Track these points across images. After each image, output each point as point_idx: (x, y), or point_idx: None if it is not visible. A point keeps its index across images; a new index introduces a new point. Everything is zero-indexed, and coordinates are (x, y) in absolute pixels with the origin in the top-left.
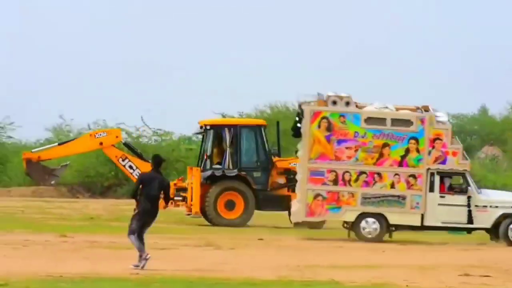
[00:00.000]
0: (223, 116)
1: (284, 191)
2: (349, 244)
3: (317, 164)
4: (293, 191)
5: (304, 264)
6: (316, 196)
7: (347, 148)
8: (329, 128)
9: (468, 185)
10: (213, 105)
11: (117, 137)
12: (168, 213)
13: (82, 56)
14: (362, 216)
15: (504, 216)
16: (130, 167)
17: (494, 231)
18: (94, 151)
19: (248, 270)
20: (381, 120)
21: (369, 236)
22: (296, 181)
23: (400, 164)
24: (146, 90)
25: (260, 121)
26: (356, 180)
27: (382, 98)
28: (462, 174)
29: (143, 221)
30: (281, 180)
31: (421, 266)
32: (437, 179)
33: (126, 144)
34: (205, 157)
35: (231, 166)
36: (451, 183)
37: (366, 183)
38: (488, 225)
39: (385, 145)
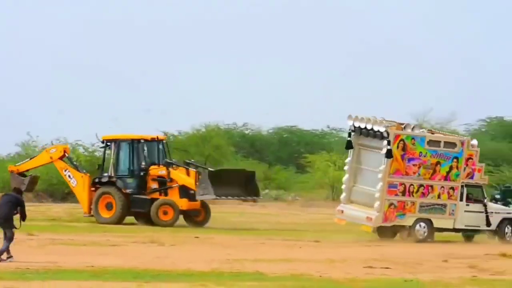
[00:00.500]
0: (165, 134)
1: (157, 195)
2: (270, 241)
3: (393, 178)
4: (165, 194)
5: (233, 258)
6: (390, 205)
7: (413, 165)
8: (404, 148)
9: (484, 195)
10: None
11: (61, 152)
12: None
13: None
14: (417, 221)
15: (503, 220)
16: (69, 176)
17: (495, 232)
18: (49, 163)
19: (186, 263)
20: (437, 143)
21: (421, 237)
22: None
23: (445, 178)
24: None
25: (136, 136)
26: (417, 191)
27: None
28: (481, 187)
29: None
30: (155, 185)
31: (332, 260)
32: (464, 190)
33: (68, 158)
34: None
35: (112, 174)
36: (467, 193)
37: (423, 194)
38: (494, 227)
39: (437, 163)
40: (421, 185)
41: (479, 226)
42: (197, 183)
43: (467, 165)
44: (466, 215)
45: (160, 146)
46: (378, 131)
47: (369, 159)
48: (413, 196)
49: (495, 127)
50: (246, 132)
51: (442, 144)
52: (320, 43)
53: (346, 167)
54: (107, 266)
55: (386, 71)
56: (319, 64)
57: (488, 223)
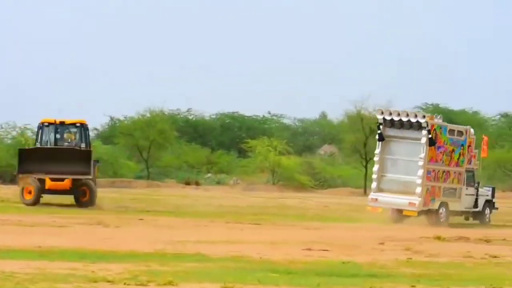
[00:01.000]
0: (111, 119)
1: None
2: (213, 223)
3: (429, 166)
4: None
5: (176, 239)
6: (427, 190)
7: (440, 152)
8: (435, 137)
9: (475, 180)
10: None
11: None
12: None
13: None
14: (441, 204)
15: (485, 202)
16: None
17: (479, 212)
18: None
19: (130, 244)
20: (453, 131)
21: (442, 220)
22: None
23: (457, 164)
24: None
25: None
26: (441, 177)
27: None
28: (473, 172)
29: None
30: None
31: (272, 242)
32: (464, 175)
33: None
34: None
35: None
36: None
37: (445, 180)
38: (480, 208)
39: (452, 150)
40: (443, 171)
41: (471, 208)
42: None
43: (467, 152)
44: (466, 198)
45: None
46: (417, 121)
47: (401, 149)
48: (439, 181)
49: (431, 113)
50: (190, 117)
51: (456, 132)
52: (261, 31)
53: (375, 158)
54: (54, 247)
55: (322, 56)
56: (260, 51)
57: (476, 205)
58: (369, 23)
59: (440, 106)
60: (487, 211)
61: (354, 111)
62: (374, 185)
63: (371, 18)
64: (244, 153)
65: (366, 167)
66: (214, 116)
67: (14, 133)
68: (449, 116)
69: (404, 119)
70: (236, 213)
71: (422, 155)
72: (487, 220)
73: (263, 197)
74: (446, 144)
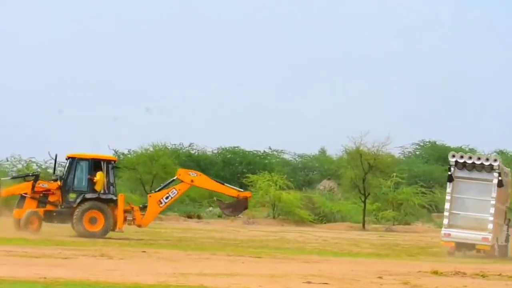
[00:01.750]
0: (115, 152)
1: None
2: (214, 256)
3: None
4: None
5: (179, 272)
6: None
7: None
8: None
9: (507, 216)
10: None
11: None
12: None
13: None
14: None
15: (507, 235)
16: None
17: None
18: None
19: (134, 276)
20: (506, 173)
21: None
22: None
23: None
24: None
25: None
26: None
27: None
28: (507, 209)
29: None
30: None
31: (272, 275)
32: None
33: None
34: None
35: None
36: None
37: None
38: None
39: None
40: (499, 209)
41: (503, 242)
42: None
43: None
44: (503, 233)
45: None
46: (490, 164)
47: (471, 189)
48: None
49: (428, 151)
50: (192, 152)
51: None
52: (262, 67)
53: (447, 197)
54: (58, 278)
55: (321, 93)
56: (261, 88)
57: (507, 240)
58: (367, 61)
59: (437, 143)
60: (509, 244)
61: (353, 147)
62: (446, 221)
63: (369, 55)
64: (245, 188)
65: (364, 202)
66: (215, 151)
67: (19, 166)
68: (446, 152)
69: (477, 162)
70: (237, 246)
71: (494, 195)
72: (509, 253)
73: (264, 230)
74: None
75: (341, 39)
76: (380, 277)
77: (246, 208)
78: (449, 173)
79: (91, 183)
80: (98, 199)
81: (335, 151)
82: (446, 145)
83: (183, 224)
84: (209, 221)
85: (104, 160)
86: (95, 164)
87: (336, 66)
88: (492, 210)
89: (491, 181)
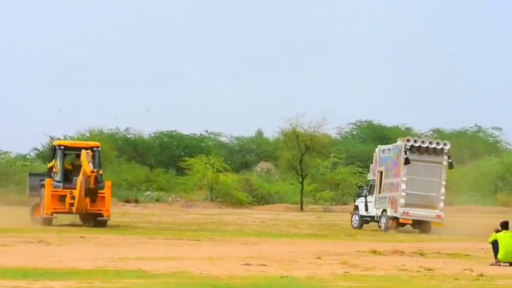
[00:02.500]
0: (51, 138)
1: None
2: (153, 240)
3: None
4: None
5: (117, 256)
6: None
7: None
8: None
9: None
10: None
11: None
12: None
13: None
14: None
15: None
16: None
17: None
18: None
19: (72, 261)
20: None
21: None
22: None
23: None
24: None
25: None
26: None
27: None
28: None
29: None
30: None
31: (211, 258)
32: None
33: None
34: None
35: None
36: None
37: None
38: None
39: None
40: None
41: None
42: None
43: None
44: None
45: None
46: (441, 148)
47: (423, 170)
48: None
49: (365, 130)
50: (129, 136)
51: None
52: (200, 49)
53: (403, 178)
54: None
55: (258, 75)
56: (197, 70)
57: None
58: (301, 41)
59: (373, 122)
60: None
61: (289, 129)
62: (402, 201)
63: (303, 36)
64: (182, 171)
65: (302, 183)
66: (152, 135)
67: None
68: (382, 132)
69: (430, 146)
70: (176, 229)
71: (444, 176)
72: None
73: (202, 213)
74: None
75: (275, 18)
76: (319, 258)
77: None
78: (405, 156)
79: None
80: None
81: (271, 132)
82: (383, 125)
83: (121, 209)
84: (147, 205)
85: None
86: None
87: (274, 47)
88: (443, 190)
89: (441, 163)
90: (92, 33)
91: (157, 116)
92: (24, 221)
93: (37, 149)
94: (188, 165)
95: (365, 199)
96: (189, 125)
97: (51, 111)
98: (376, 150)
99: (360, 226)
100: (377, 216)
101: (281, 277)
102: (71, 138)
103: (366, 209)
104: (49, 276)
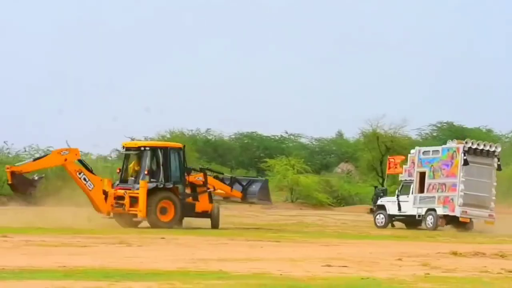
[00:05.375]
0: (132, 140)
1: (190, 200)
2: (233, 241)
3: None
4: (196, 200)
5: (198, 257)
6: None
7: None
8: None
9: None
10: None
11: (76, 154)
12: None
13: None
14: None
15: None
16: (84, 179)
17: None
18: (58, 166)
19: (153, 262)
20: None
21: None
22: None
23: None
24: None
25: (180, 145)
26: None
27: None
28: None
29: None
30: (188, 191)
31: (292, 259)
32: None
33: (80, 161)
34: (146, 172)
35: (164, 180)
36: None
37: None
38: None
39: None
40: None
41: None
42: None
43: None
44: None
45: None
46: (494, 151)
47: (475, 171)
48: None
49: (445, 132)
50: (209, 137)
51: None
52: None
53: (462, 179)
54: (78, 266)
55: (337, 76)
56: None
57: None
58: (382, 43)
59: (454, 124)
60: None
61: (370, 130)
62: (460, 200)
63: (385, 38)
64: (263, 173)
65: (382, 184)
66: (233, 136)
67: (37, 155)
68: (463, 133)
69: (484, 148)
70: (256, 230)
71: (494, 177)
72: None
73: (282, 215)
74: None
75: (357, 20)
76: (400, 259)
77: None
78: (465, 158)
79: None
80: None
81: (352, 134)
82: (464, 126)
83: None
84: (228, 206)
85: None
86: None
87: (352, 48)
88: (494, 191)
89: (492, 165)
90: None
91: (236, 117)
92: (104, 222)
93: (118, 150)
94: (269, 166)
95: (397, 199)
96: (269, 126)
97: (135, 111)
98: (413, 151)
99: (386, 225)
100: (418, 215)
101: (362, 278)
102: (152, 139)
103: (399, 208)
104: (130, 277)
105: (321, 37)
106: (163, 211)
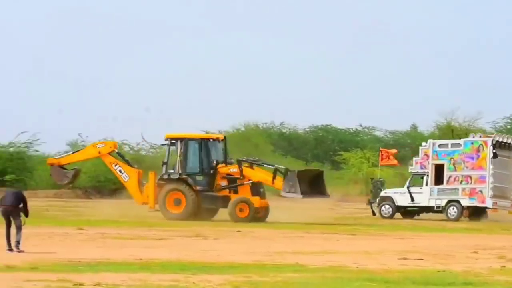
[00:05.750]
0: (206, 133)
1: (226, 192)
2: (308, 235)
3: None
4: (234, 192)
5: (274, 250)
6: None
7: None
8: None
9: None
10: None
11: (111, 147)
12: None
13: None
14: None
15: None
16: (120, 171)
17: None
18: (95, 158)
19: (229, 255)
20: None
21: None
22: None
23: None
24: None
25: (204, 135)
26: None
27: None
28: None
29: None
30: (224, 183)
31: (367, 252)
32: None
33: (118, 153)
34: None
35: (180, 171)
36: None
37: None
38: None
39: None
40: None
41: None
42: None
43: None
44: None
45: (222, 145)
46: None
47: (498, 164)
48: None
49: None
50: (284, 131)
51: None
52: (351, 45)
53: (491, 172)
54: (154, 259)
55: (413, 69)
56: (350, 65)
57: None
58: (457, 36)
59: None
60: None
61: (444, 123)
62: (491, 192)
63: (460, 30)
64: (338, 166)
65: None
66: (307, 129)
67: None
68: None
69: (509, 141)
70: (332, 224)
71: None
72: None
73: (357, 208)
74: None
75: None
76: (475, 252)
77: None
78: (494, 151)
79: None
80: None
81: (426, 127)
82: None
83: (276, 203)
84: (302, 200)
85: None
86: None
87: (423, 37)
88: None
89: (510, 157)
90: None
91: (310, 109)
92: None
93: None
94: (343, 159)
95: (408, 190)
96: (343, 119)
97: (207, 105)
98: (426, 144)
99: (392, 216)
100: (437, 206)
101: (438, 271)
102: (226, 132)
103: (412, 199)
104: (206, 270)
105: (395, 34)
106: (176, 202)
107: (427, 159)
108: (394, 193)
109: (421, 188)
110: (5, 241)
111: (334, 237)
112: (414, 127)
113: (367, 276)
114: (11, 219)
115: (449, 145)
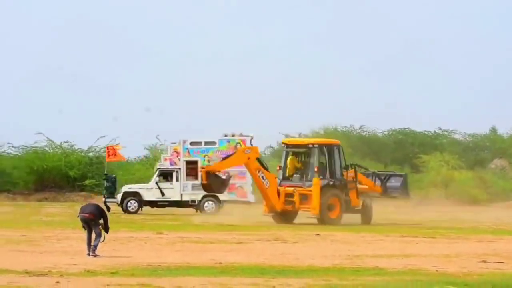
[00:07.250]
0: (286, 136)
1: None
2: (388, 238)
3: None
4: (347, 196)
5: (353, 254)
6: None
7: None
8: None
9: None
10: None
11: (257, 153)
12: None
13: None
14: None
15: None
16: (262, 177)
17: None
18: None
19: (309, 259)
20: None
21: None
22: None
23: None
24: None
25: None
26: None
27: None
28: None
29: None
30: None
31: (447, 255)
32: None
33: (258, 159)
34: (315, 169)
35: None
36: None
37: None
38: None
39: None
40: None
41: None
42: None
43: None
44: None
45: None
46: None
47: None
48: None
49: None
50: (363, 134)
51: None
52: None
53: None
54: (234, 263)
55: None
56: (426, 67)
57: None
58: None
59: None
60: None
61: None
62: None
63: None
64: (417, 169)
65: None
66: (386, 133)
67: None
68: None
69: None
70: (411, 227)
71: None
72: None
73: (437, 211)
74: None
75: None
76: None
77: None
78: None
79: None
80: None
81: (506, 129)
82: None
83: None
84: (382, 203)
85: None
86: None
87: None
88: None
89: None
90: None
91: (391, 113)
92: (259, 219)
93: (272, 147)
94: (423, 162)
95: (157, 185)
96: (421, 122)
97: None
98: (176, 142)
99: (137, 211)
100: (191, 201)
101: None
102: (305, 135)
103: (162, 194)
104: (286, 273)
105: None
106: (331, 208)
107: (177, 156)
108: (140, 188)
109: (171, 184)
110: (85, 246)
111: (414, 240)
112: (493, 130)
113: (447, 279)
114: (91, 226)
115: (203, 143)
